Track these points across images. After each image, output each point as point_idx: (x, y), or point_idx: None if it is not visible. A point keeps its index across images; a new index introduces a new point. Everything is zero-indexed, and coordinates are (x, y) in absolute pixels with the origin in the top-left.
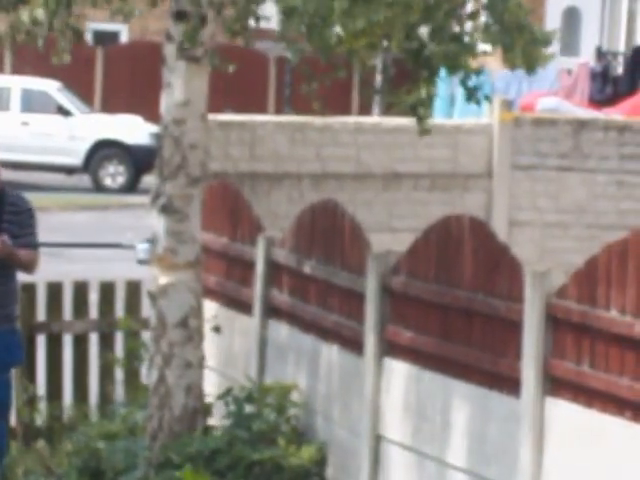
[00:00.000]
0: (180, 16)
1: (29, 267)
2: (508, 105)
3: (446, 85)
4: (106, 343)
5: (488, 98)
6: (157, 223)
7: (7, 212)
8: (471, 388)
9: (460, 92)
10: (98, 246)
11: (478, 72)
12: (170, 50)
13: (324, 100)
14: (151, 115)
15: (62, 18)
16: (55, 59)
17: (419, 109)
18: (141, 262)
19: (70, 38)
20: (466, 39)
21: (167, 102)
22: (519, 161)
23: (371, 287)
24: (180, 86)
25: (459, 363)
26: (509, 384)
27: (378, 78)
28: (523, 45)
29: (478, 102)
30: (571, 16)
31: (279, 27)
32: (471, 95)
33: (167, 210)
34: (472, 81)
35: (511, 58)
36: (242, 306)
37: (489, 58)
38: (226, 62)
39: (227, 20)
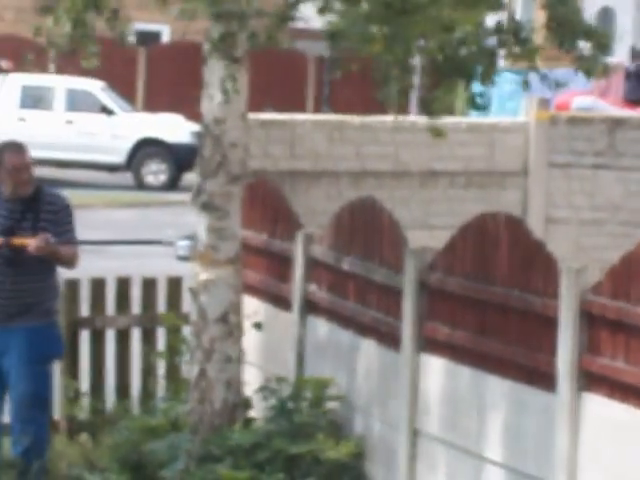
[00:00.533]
0: (219, 17)
1: (70, 263)
2: (544, 104)
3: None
4: (148, 338)
5: (486, 108)
6: (198, 220)
7: (45, 211)
8: (507, 383)
9: (496, 92)
10: (138, 243)
11: (492, 83)
12: (209, 49)
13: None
14: (192, 114)
15: (88, 23)
16: (84, 63)
17: (433, 107)
18: (180, 259)
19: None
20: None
21: (207, 101)
22: (555, 159)
23: (408, 283)
24: (220, 86)
25: (495, 358)
26: (545, 379)
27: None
28: (589, 50)
29: (478, 108)
30: (605, 16)
31: (327, 48)
32: (473, 100)
33: (208, 208)
34: (477, 87)
35: (574, 61)
36: (281, 302)
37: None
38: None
39: (263, 27)
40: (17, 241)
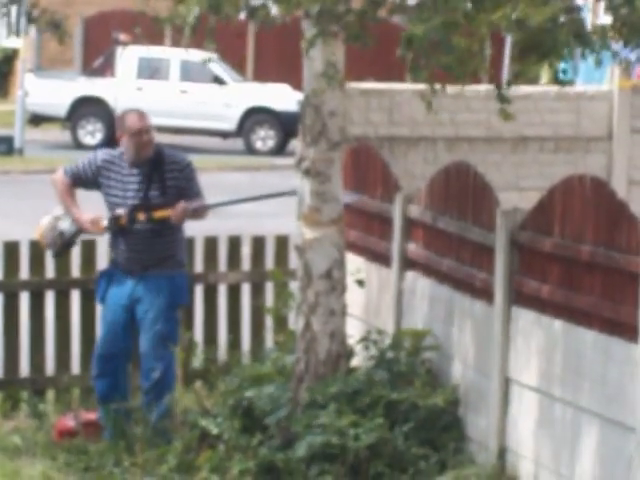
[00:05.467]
0: None
1: (202, 217)
2: (627, 74)
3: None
4: (257, 293)
5: (570, 83)
6: (302, 184)
7: (169, 171)
8: (592, 334)
9: (584, 62)
10: (262, 198)
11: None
12: (308, 25)
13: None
14: (299, 84)
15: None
16: (207, 46)
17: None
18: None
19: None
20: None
21: (307, 73)
22: (637, 125)
23: (500, 241)
24: (318, 58)
25: (581, 311)
26: (628, 330)
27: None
28: None
29: (562, 84)
30: None
31: (400, 51)
32: (556, 77)
33: (310, 173)
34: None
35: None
36: (381, 258)
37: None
38: (364, 38)
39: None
40: (158, 215)
